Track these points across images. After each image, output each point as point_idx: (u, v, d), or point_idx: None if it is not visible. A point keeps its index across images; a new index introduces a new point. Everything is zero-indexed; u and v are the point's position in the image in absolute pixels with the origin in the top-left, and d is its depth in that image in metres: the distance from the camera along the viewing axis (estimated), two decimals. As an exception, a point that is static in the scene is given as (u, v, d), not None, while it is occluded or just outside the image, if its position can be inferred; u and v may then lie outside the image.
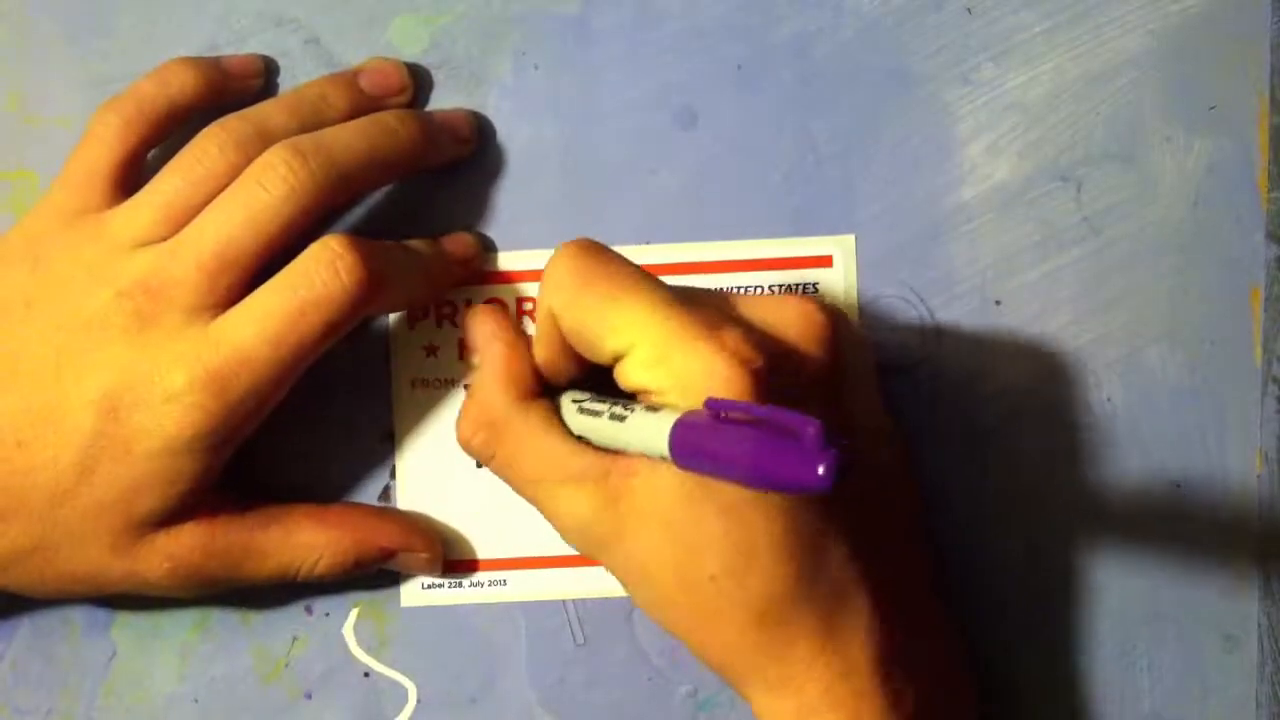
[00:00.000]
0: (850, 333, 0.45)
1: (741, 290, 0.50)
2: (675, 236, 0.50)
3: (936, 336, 0.50)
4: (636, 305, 0.42)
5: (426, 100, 0.50)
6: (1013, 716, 0.50)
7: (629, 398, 0.43)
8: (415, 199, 0.50)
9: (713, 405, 0.39)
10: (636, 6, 0.50)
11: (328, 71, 0.49)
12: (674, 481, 0.41)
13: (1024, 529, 0.50)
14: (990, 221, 0.50)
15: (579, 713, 0.51)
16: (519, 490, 0.45)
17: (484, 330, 0.47)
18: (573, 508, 0.43)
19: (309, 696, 0.50)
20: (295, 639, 0.50)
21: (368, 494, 0.50)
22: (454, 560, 0.50)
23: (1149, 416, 0.50)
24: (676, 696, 0.51)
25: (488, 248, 0.50)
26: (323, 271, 0.44)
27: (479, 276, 0.50)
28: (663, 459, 0.40)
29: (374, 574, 0.49)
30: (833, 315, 0.44)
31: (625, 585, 0.44)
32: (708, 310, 0.42)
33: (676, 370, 0.41)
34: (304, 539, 0.47)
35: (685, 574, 0.42)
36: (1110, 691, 0.50)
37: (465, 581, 0.50)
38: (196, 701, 0.50)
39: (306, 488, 0.50)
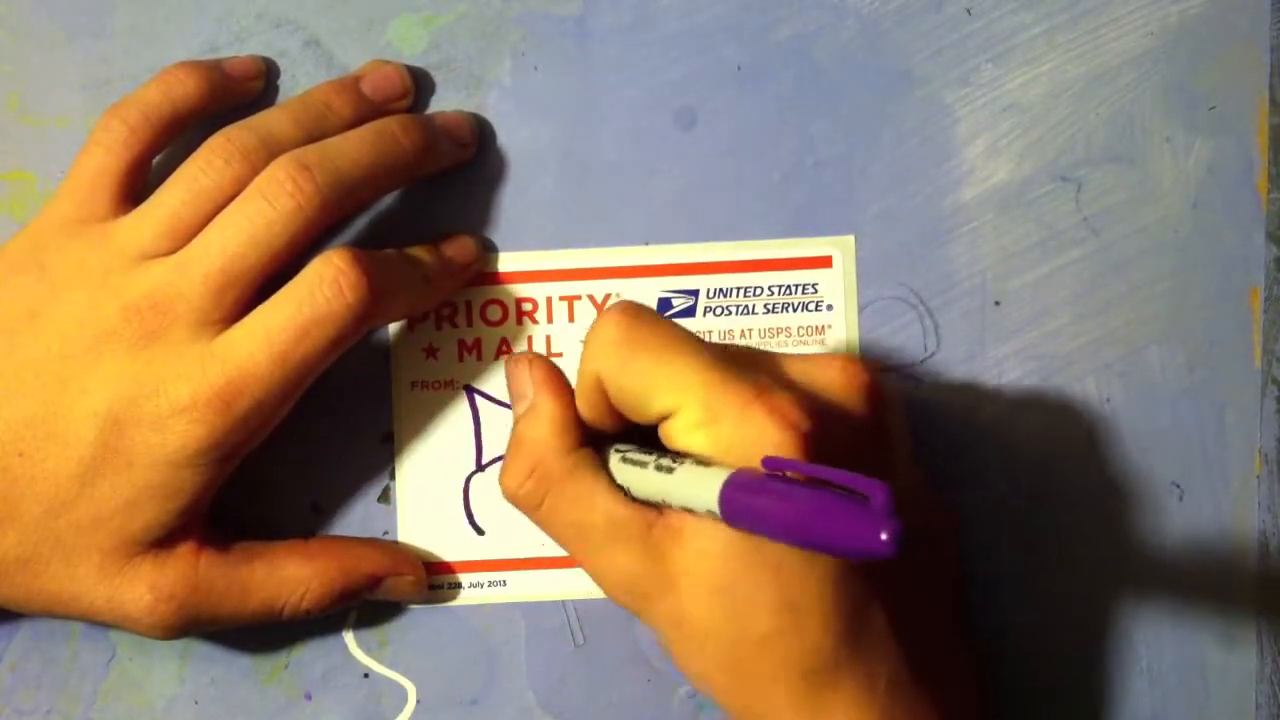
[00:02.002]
0: (890, 394, 0.45)
1: (743, 292, 0.50)
2: (675, 237, 0.50)
3: (936, 336, 0.50)
4: (684, 368, 0.41)
5: (427, 102, 0.50)
6: (1013, 716, 0.50)
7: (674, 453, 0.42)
8: (415, 200, 0.50)
9: (770, 464, 0.39)
10: (636, 7, 0.50)
11: (327, 72, 0.49)
12: (722, 540, 0.41)
13: (1023, 529, 0.50)
14: (990, 222, 0.50)
15: (579, 714, 0.50)
16: (561, 542, 0.44)
17: (530, 378, 0.45)
18: (614, 561, 0.42)
19: (309, 697, 0.50)
20: (295, 640, 0.50)
21: (368, 495, 0.50)
22: (454, 562, 0.50)
23: (1149, 416, 0.50)
24: (676, 697, 0.51)
25: (488, 248, 0.50)
26: (326, 289, 0.44)
27: (479, 278, 0.50)
28: (709, 514, 0.39)
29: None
30: (875, 374, 0.44)
31: (667, 642, 0.43)
32: (753, 373, 0.42)
33: (725, 433, 0.40)
34: (289, 573, 0.47)
35: (732, 633, 0.41)
36: (1110, 691, 0.50)
37: (465, 582, 0.50)
38: (196, 703, 0.50)
39: (306, 489, 0.50)
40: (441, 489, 0.50)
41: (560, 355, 0.50)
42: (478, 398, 0.50)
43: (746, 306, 0.50)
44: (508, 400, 0.50)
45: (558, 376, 0.45)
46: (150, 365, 0.44)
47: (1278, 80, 0.50)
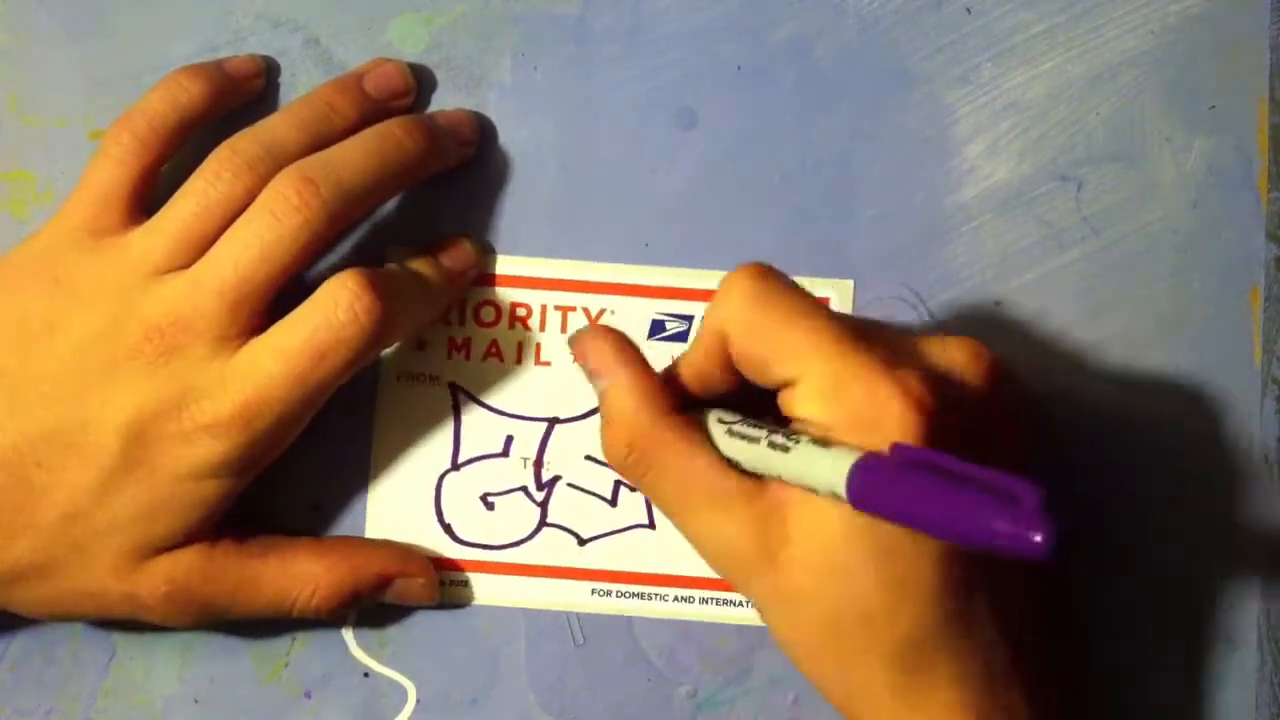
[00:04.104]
0: (1015, 386, 0.45)
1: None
2: (675, 237, 0.50)
3: (936, 337, 0.50)
4: (813, 334, 0.41)
5: (427, 101, 0.50)
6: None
7: (777, 422, 0.42)
8: (414, 200, 0.50)
9: (902, 452, 0.38)
10: (636, 7, 0.50)
11: (327, 72, 0.50)
12: (833, 517, 0.41)
13: (1024, 529, 0.50)
14: (990, 221, 0.50)
15: (579, 714, 0.50)
16: (664, 510, 0.44)
17: (607, 354, 0.45)
18: (718, 530, 0.42)
19: (309, 696, 0.50)
20: (295, 639, 0.50)
21: (348, 485, 0.50)
22: (439, 559, 0.50)
23: (1149, 416, 0.50)
24: (676, 697, 0.51)
25: (486, 250, 0.50)
26: (341, 314, 0.44)
27: (477, 278, 0.50)
28: (832, 496, 0.39)
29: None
30: (1000, 358, 0.44)
31: (765, 614, 0.43)
32: (883, 347, 0.42)
33: (850, 405, 0.40)
34: (300, 568, 0.48)
35: (836, 607, 0.41)
36: (1110, 692, 0.50)
37: (463, 582, 0.50)
38: (196, 702, 0.50)
39: (286, 477, 0.49)
40: (413, 484, 0.50)
41: (548, 364, 0.50)
42: (461, 396, 0.50)
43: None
44: (507, 408, 0.50)
45: (629, 346, 0.45)
46: (172, 380, 0.45)
47: (1278, 80, 0.50)
